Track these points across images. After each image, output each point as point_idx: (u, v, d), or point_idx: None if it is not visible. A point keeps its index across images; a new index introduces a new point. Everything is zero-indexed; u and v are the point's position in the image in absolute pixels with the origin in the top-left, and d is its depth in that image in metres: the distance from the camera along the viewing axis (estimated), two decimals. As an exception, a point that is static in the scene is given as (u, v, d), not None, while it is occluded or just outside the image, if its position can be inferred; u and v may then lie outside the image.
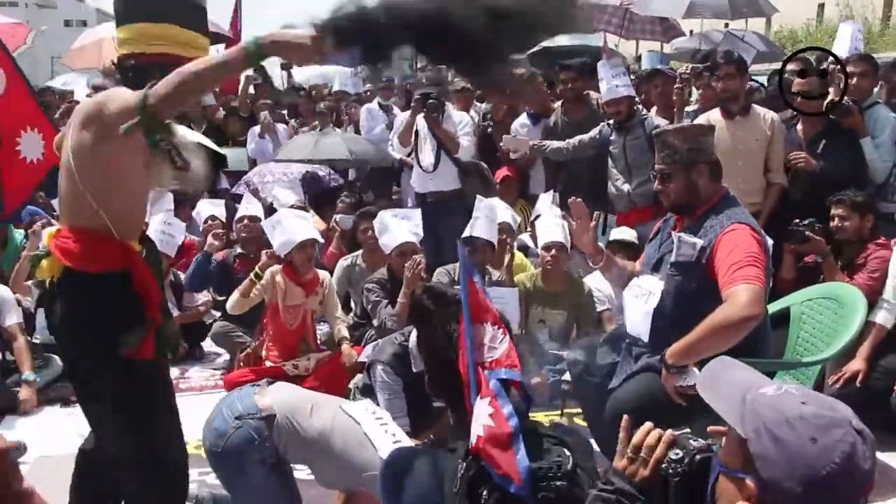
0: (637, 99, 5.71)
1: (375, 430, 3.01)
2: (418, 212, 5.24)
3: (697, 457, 1.61)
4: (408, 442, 3.03)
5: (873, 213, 4.57)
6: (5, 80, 6.84)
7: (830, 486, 1.35)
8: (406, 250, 4.90)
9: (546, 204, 5.85)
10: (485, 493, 1.87)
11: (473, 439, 1.84)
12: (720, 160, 4.87)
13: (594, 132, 5.72)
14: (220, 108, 9.80)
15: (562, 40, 11.47)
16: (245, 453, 2.99)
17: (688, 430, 1.74)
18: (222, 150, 8.59)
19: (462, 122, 6.53)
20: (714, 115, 5.13)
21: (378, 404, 3.62)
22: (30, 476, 4.09)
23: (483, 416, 1.82)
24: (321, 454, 3.04)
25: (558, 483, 1.84)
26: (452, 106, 6.90)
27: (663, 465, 1.64)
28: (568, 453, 1.90)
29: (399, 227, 4.99)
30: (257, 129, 8.74)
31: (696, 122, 5.02)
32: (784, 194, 5.03)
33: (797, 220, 4.62)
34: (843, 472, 1.35)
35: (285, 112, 10.17)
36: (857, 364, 4.18)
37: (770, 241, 3.25)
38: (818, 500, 1.37)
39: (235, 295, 4.96)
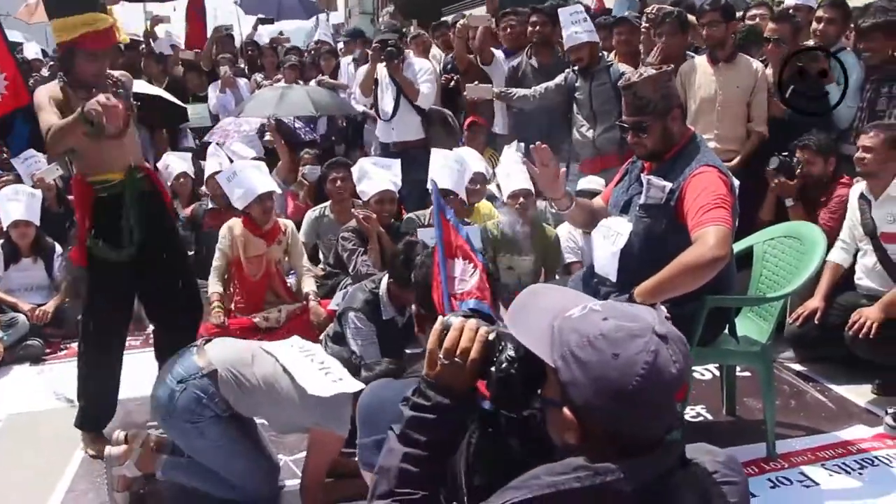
0: (600, 44, 5.69)
1: (295, 361, 3.04)
2: (398, 161, 5.24)
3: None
4: (338, 368, 3.04)
5: (836, 154, 4.65)
6: None
7: (641, 398, 1.32)
8: (385, 198, 4.93)
9: (511, 155, 5.86)
10: None
11: None
12: (701, 105, 5.02)
13: (559, 79, 5.71)
14: (180, 63, 9.61)
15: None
16: (195, 412, 3.03)
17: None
18: (183, 105, 8.52)
19: (423, 69, 6.44)
20: (700, 60, 5.16)
21: (352, 351, 3.66)
22: (3, 433, 4.14)
23: None
24: (269, 401, 3.07)
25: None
26: (413, 54, 6.82)
27: (497, 365, 1.50)
28: None
29: (379, 174, 5.00)
30: (218, 83, 8.62)
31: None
32: (762, 144, 5.03)
33: (782, 153, 4.69)
34: (649, 381, 1.32)
35: (245, 66, 10.03)
36: (815, 302, 4.27)
37: (737, 182, 3.29)
38: (632, 414, 1.34)
39: None
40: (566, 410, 1.39)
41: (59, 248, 5.64)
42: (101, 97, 3.22)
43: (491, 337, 1.53)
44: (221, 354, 3.13)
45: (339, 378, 2.94)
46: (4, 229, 5.51)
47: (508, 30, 6.74)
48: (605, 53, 5.63)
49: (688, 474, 1.43)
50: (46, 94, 3.55)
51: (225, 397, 3.04)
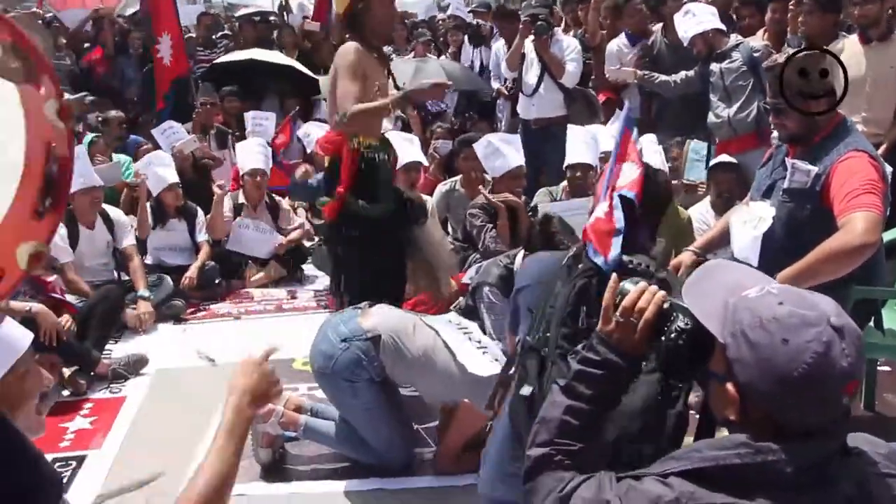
0: (723, 28, 5.55)
1: (455, 337, 3.14)
2: (517, 137, 5.27)
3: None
4: (494, 348, 3.13)
5: None
6: None
7: (805, 387, 1.33)
8: (520, 173, 4.99)
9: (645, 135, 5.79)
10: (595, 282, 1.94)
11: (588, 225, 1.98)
12: (849, 87, 4.79)
13: (698, 67, 5.63)
14: (305, 39, 9.81)
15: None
16: (354, 373, 3.14)
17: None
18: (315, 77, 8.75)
19: (570, 46, 6.33)
20: (850, 40, 4.92)
21: (482, 326, 3.72)
22: (150, 386, 4.39)
23: (598, 213, 1.99)
24: (424, 372, 3.17)
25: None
26: (560, 30, 6.75)
27: (667, 335, 1.54)
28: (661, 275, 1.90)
29: (510, 151, 5.04)
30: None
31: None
32: None
33: None
34: (817, 371, 1.32)
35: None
36: (968, 298, 4.05)
37: (889, 169, 3.15)
38: (794, 401, 1.35)
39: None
40: (730, 386, 1.42)
41: (200, 212, 5.90)
42: (431, 84, 3.72)
43: (666, 305, 1.58)
44: (385, 321, 3.24)
45: (495, 359, 3.01)
46: (155, 195, 5.78)
47: (636, 16, 6.57)
48: (732, 36, 5.55)
49: (848, 463, 1.43)
50: (353, 58, 3.76)
51: (383, 363, 3.15)
